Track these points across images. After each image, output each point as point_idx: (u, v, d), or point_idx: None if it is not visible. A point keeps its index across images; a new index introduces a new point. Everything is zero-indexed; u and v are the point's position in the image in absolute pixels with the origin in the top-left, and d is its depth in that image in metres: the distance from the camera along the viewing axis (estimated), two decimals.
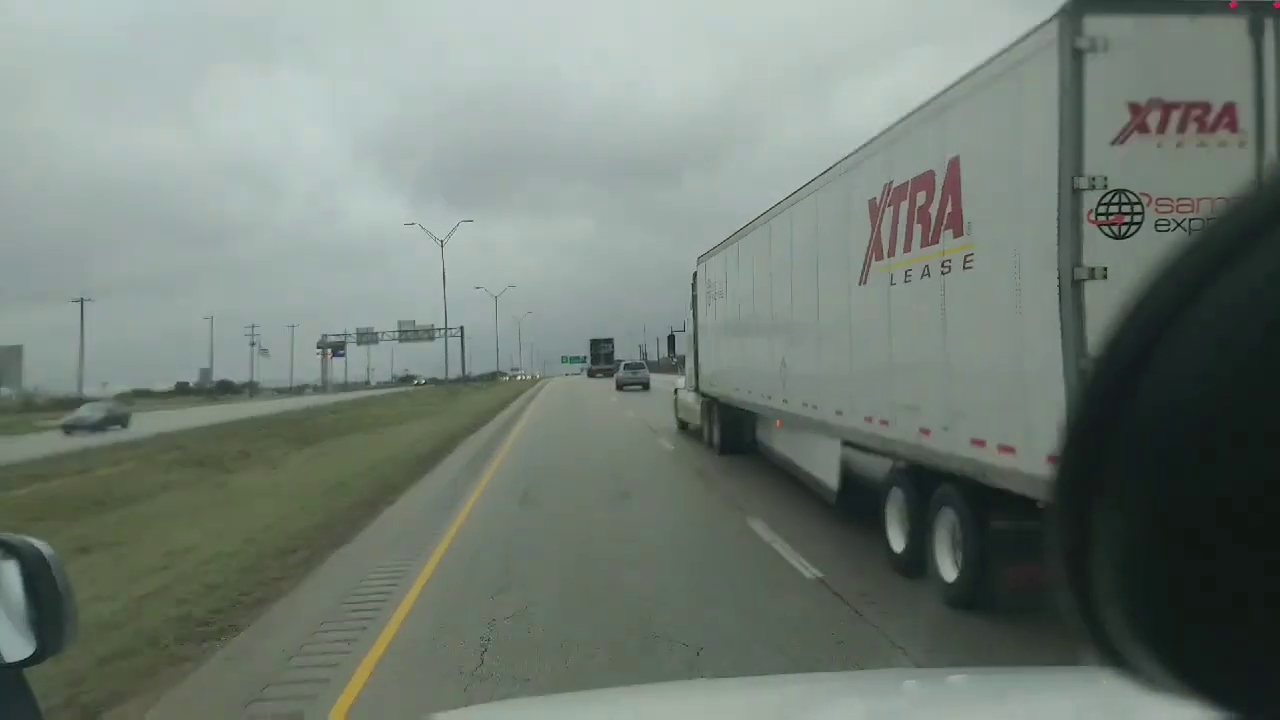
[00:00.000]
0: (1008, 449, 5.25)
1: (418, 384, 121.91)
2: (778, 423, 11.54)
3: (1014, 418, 5.18)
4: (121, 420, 44.06)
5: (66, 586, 1.29)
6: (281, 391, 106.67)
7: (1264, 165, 4.64)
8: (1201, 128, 4.65)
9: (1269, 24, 4.67)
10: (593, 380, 77.47)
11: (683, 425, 20.99)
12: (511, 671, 4.96)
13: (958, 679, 2.18)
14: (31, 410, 64.09)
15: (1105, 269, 4.62)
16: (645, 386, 49.13)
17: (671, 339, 24.19)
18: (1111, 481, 0.38)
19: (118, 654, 5.43)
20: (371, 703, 4.71)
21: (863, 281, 7.61)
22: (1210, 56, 4.68)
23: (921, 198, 6.43)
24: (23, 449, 26.46)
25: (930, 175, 6.29)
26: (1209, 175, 4.56)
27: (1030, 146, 5.04)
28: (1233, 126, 4.65)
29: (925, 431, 6.46)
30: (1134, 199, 4.65)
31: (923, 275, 6.38)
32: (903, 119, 6.94)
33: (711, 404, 16.66)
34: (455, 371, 79.84)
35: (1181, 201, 4.64)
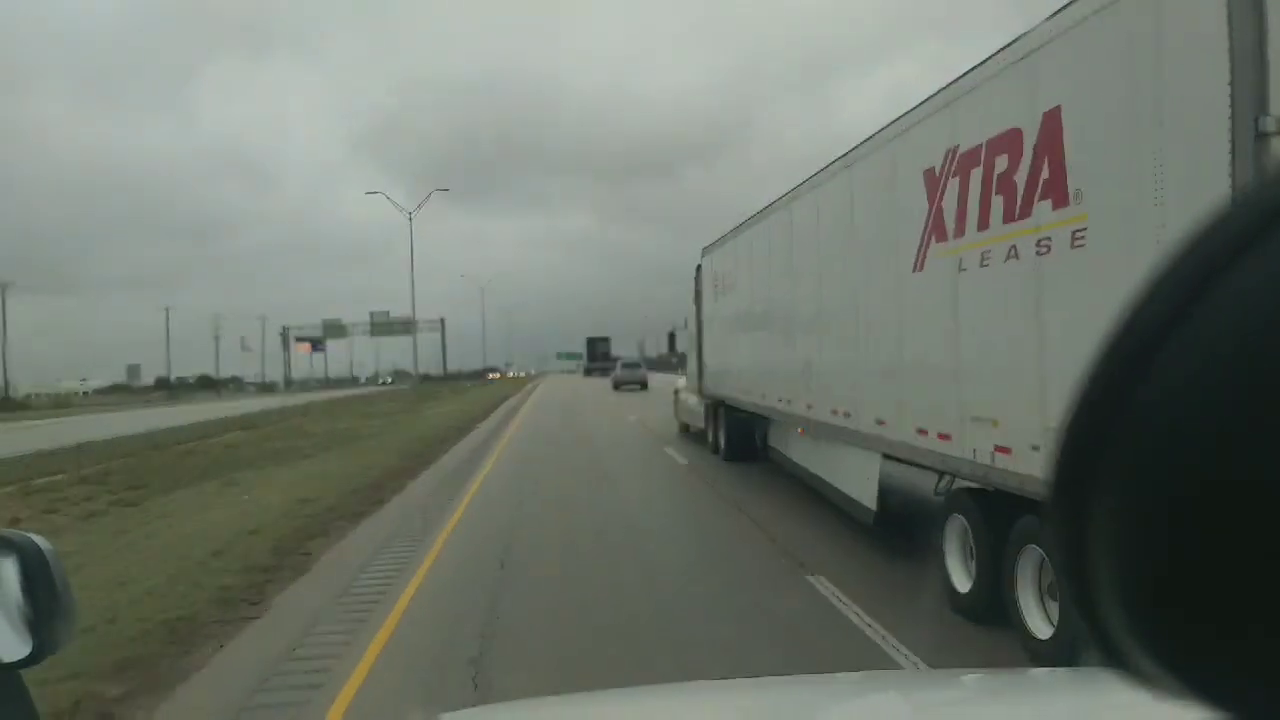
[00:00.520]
0: None
1: (384, 383, 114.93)
2: (799, 430, 10.32)
3: None
4: None
5: (65, 584, 1.26)
6: (264, 389, 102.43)
7: None
8: None
9: None
10: (589, 379, 76.91)
11: (684, 428, 20.01)
12: None
13: (958, 679, 2.16)
14: None
15: None
16: (643, 386, 47.95)
17: (672, 336, 22.91)
18: (1110, 480, 0.37)
19: None
20: None
21: (918, 268, 6.39)
22: None
23: (1002, 163, 5.22)
24: None
25: (1014, 135, 5.08)
26: None
27: (1179, 83, 3.82)
28: None
29: (1003, 450, 5.25)
30: None
31: (1007, 258, 5.17)
32: (971, 71, 5.74)
33: (717, 407, 15.48)
34: (454, 366, 76.71)
35: None
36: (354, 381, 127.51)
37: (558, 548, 8.59)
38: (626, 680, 5.17)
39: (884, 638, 5.49)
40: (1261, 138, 3.41)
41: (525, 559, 8.15)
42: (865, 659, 5.14)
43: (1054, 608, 4.92)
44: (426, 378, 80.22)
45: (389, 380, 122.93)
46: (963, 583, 5.82)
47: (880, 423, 7.28)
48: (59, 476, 16.66)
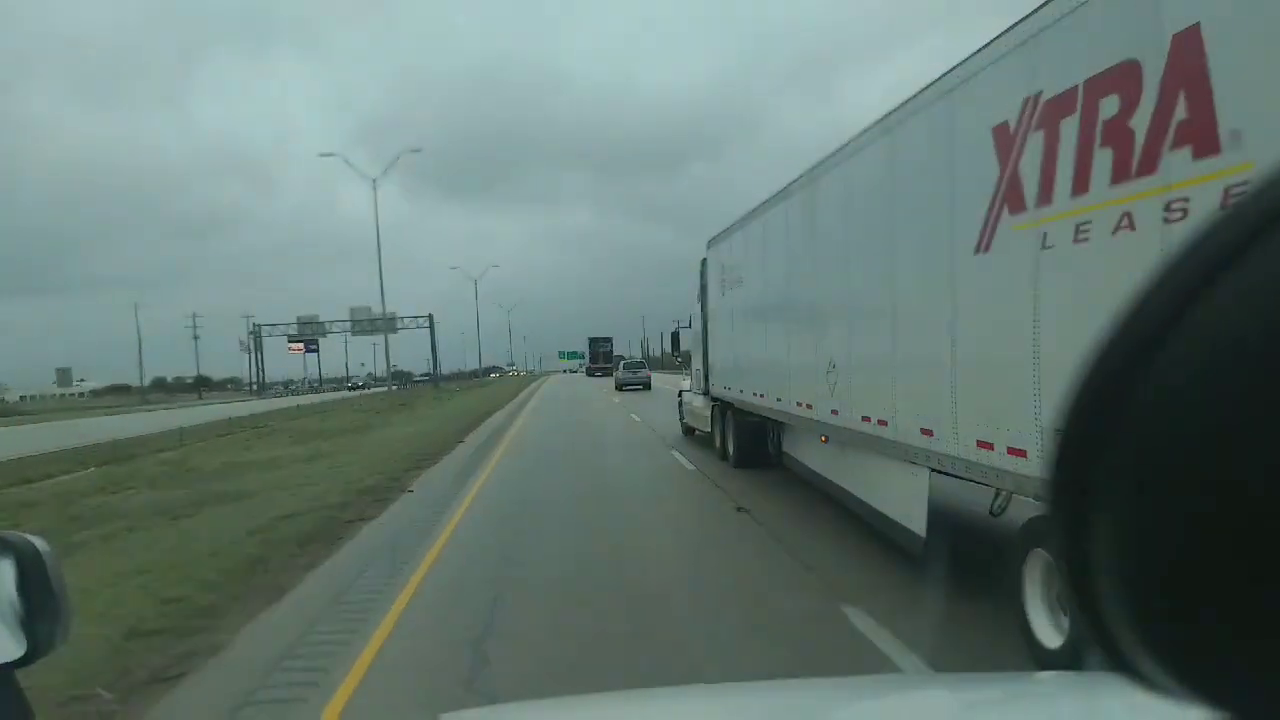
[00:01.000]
0: None
1: (351, 387, 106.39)
2: (821, 439, 9.16)
3: None
4: None
5: (61, 584, 1.20)
6: (260, 390, 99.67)
7: None
8: None
9: None
10: (592, 379, 76.22)
11: (689, 431, 19.08)
12: None
13: (963, 683, 2.11)
14: None
15: None
16: (646, 386, 47.97)
17: (675, 335, 21.71)
18: (1110, 480, 0.37)
19: None
20: None
21: (983, 248, 5.24)
22: None
23: (1110, 106, 4.06)
24: None
25: (1130, 69, 3.94)
26: None
27: None
28: None
29: None
30: None
31: (1116, 228, 4.02)
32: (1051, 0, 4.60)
33: (725, 410, 14.34)
34: (455, 366, 74.59)
35: None
36: (344, 383, 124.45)
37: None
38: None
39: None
40: None
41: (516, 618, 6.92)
42: None
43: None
44: (405, 377, 76.46)
45: (359, 384, 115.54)
46: (1050, 637, 4.66)
47: (928, 433, 6.14)
48: None
